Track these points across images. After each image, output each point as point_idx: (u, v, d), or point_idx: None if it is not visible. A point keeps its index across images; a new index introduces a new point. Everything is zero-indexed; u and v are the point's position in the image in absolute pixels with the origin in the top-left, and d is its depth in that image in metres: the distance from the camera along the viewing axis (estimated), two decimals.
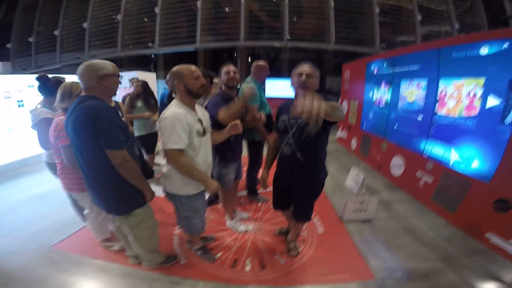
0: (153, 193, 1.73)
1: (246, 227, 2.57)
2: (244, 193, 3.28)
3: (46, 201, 3.24)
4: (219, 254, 2.21)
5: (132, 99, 3.36)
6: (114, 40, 9.50)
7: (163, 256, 2.05)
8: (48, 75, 2.37)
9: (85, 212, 2.14)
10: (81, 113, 1.40)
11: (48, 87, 2.23)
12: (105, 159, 1.46)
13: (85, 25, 9.80)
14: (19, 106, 4.50)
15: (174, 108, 1.58)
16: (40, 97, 2.33)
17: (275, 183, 2.01)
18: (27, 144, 4.54)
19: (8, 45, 11.42)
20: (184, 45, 9.04)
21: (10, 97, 4.37)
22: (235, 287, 1.88)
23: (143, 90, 3.43)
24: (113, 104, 2.53)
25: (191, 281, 1.92)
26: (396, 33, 9.58)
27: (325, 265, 2.11)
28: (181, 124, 1.53)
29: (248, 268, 2.07)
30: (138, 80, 3.48)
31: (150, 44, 9.18)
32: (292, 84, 1.77)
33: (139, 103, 3.40)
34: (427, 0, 9.61)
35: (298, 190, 1.93)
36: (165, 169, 1.73)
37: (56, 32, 10.30)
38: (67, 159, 1.77)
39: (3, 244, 2.34)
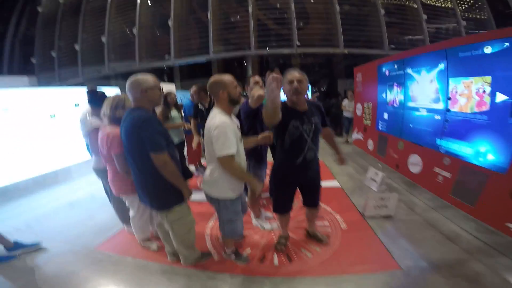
0: (191, 191, 1.93)
1: (272, 225, 2.74)
2: (267, 194, 3.47)
3: (81, 207, 3.51)
4: (248, 250, 2.38)
5: (165, 110, 3.61)
6: (132, 53, 9.94)
7: (199, 253, 2.23)
8: (95, 88, 2.65)
9: (131, 213, 2.35)
10: (130, 123, 1.69)
11: (97, 99, 2.50)
12: (150, 162, 1.69)
13: (103, 39, 10.31)
14: (51, 117, 4.77)
15: (221, 117, 1.70)
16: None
17: (287, 184, 2.08)
18: (59, 155, 4.86)
19: (33, 60, 12.10)
20: (198, 56, 9.39)
21: (42, 110, 4.65)
22: (265, 280, 2.02)
23: (176, 101, 3.77)
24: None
25: (224, 275, 2.07)
26: (403, 33, 9.59)
27: (351, 257, 2.23)
28: (232, 131, 1.68)
29: (276, 261, 2.23)
30: (171, 93, 3.81)
31: (166, 57, 9.58)
32: (284, 92, 1.89)
33: (173, 113, 3.69)
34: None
35: (313, 183, 2.13)
36: (208, 176, 1.87)
37: (76, 47, 10.86)
38: (119, 165, 2.01)
39: (48, 247, 2.55)
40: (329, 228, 2.72)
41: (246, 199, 2.57)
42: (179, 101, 4.55)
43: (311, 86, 11.59)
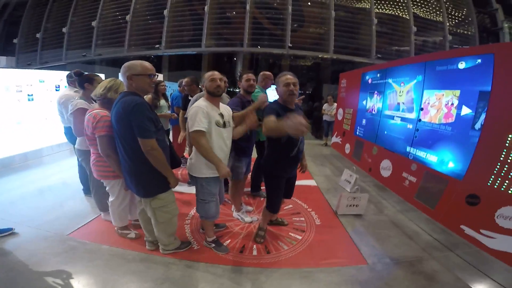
0: (177, 180, 1.97)
1: (252, 218, 2.86)
2: (248, 189, 3.59)
3: (57, 192, 3.37)
4: (229, 241, 2.47)
5: (154, 99, 3.58)
6: (121, 40, 9.66)
7: (179, 242, 2.27)
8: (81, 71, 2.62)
9: (110, 199, 2.33)
10: (120, 106, 1.70)
11: (84, 81, 2.49)
12: (138, 147, 1.72)
13: (94, 23, 9.95)
14: (29, 100, 4.64)
15: (199, 102, 1.98)
16: (51, 93, 2.63)
17: (282, 179, 2.22)
18: (34, 137, 4.73)
19: (15, 40, 11.51)
20: (189, 48, 9.27)
21: (21, 91, 4.50)
22: (243, 269, 2.12)
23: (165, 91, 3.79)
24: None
25: (204, 264, 2.13)
26: (391, 44, 9.95)
27: (323, 251, 2.40)
28: (202, 112, 1.88)
29: (254, 252, 2.34)
30: (163, 81, 3.83)
31: (156, 46, 9.38)
32: (278, 92, 2.11)
33: (162, 102, 3.70)
34: (423, 11, 10.02)
35: (294, 175, 2.37)
36: (190, 157, 2.08)
37: (64, 29, 10.43)
38: (101, 148, 1.99)
39: (19, 232, 2.42)
40: (304, 223, 2.87)
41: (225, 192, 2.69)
42: (167, 91, 4.53)
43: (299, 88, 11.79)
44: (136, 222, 2.54)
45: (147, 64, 1.80)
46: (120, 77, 1.80)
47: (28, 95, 4.67)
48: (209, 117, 1.91)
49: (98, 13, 9.98)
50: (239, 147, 2.54)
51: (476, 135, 2.47)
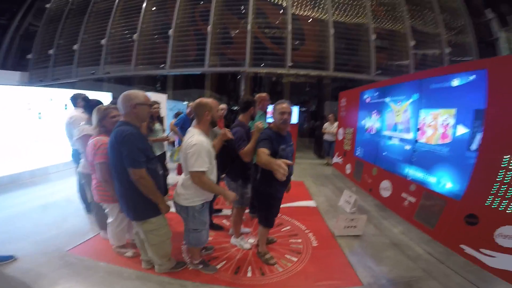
0: (168, 207, 2.03)
1: (250, 243, 2.80)
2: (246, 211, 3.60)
3: (60, 209, 3.47)
4: (223, 262, 2.47)
5: (149, 123, 3.49)
6: (129, 59, 9.99)
7: (174, 262, 2.30)
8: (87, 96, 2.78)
9: (109, 220, 2.42)
10: (114, 135, 1.81)
11: (90, 107, 2.60)
12: (127, 174, 1.81)
13: (103, 41, 10.34)
14: (39, 118, 4.84)
15: (199, 137, 1.91)
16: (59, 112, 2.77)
17: (278, 199, 2.39)
18: (42, 155, 4.88)
19: (29, 56, 11.95)
20: (193, 68, 9.57)
21: (30, 109, 4.67)
22: None
23: (159, 114, 3.76)
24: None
25: (198, 284, 2.15)
26: (391, 59, 10.06)
27: (318, 273, 2.38)
28: (206, 151, 1.88)
29: (249, 274, 2.33)
30: (155, 102, 3.72)
31: (162, 65, 9.72)
32: (274, 118, 2.26)
33: (157, 126, 3.62)
34: (421, 24, 10.16)
35: (282, 197, 2.46)
36: (179, 186, 2.04)
37: (75, 47, 10.80)
38: (99, 174, 2.13)
39: (19, 246, 2.51)
40: (301, 245, 2.85)
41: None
42: (172, 110, 4.55)
43: (300, 106, 11.99)
44: (134, 241, 2.58)
45: (145, 94, 1.95)
46: (120, 105, 1.87)
47: (38, 113, 4.86)
48: (210, 154, 1.95)
49: (108, 31, 10.39)
50: (246, 176, 2.57)
51: (472, 156, 2.47)
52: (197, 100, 2.01)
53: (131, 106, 1.85)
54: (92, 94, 3.65)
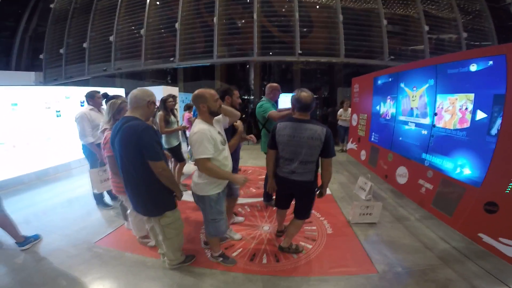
0: (182, 193, 2.11)
1: (240, 235, 2.81)
2: (260, 199, 3.67)
3: (84, 203, 3.65)
4: (239, 250, 2.55)
5: (165, 115, 3.76)
6: (138, 54, 10.12)
7: (184, 256, 2.33)
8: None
9: (128, 211, 2.55)
10: (127, 131, 1.78)
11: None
12: (145, 170, 1.82)
13: (111, 38, 10.46)
14: (57, 116, 5.05)
15: (200, 125, 1.92)
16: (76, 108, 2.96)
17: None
18: (63, 152, 5.11)
19: (41, 56, 12.26)
20: (202, 60, 9.57)
21: (49, 108, 4.91)
22: (252, 277, 2.19)
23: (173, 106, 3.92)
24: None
25: (215, 271, 2.25)
26: (404, 44, 9.72)
27: (332, 260, 2.41)
28: (207, 138, 1.87)
29: (265, 261, 2.40)
30: (174, 96, 3.94)
31: (171, 59, 9.79)
32: (292, 106, 2.18)
33: (172, 118, 3.85)
34: (434, 8, 9.74)
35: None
36: (195, 178, 2.07)
37: (84, 45, 11.00)
38: (110, 167, 2.24)
39: (50, 240, 2.70)
40: (316, 232, 2.89)
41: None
42: (183, 102, 4.68)
43: (313, 93, 11.74)
44: None
45: None
46: (135, 100, 1.88)
47: (56, 111, 5.08)
48: (214, 141, 1.93)
49: (114, 27, 10.47)
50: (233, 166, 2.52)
51: (493, 141, 2.38)
52: (195, 92, 2.00)
53: (149, 103, 1.90)
54: (106, 90, 3.76)
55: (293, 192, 2.31)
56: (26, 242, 2.57)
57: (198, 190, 2.06)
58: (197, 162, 1.91)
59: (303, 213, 2.35)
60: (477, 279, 2.13)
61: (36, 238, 2.67)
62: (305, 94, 2.06)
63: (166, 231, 2.06)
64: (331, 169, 2.16)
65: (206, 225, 2.19)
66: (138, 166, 1.82)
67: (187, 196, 2.49)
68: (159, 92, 5.49)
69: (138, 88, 1.94)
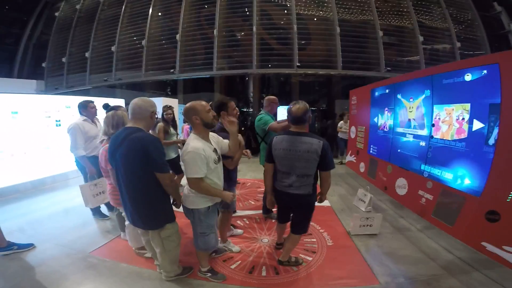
0: (181, 202, 2.06)
1: (238, 247, 2.75)
2: (259, 211, 3.64)
3: (80, 213, 3.56)
4: (238, 262, 2.50)
5: (165, 126, 3.77)
6: (138, 65, 10.21)
7: (181, 268, 2.26)
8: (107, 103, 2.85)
9: (126, 223, 2.49)
10: (134, 143, 1.73)
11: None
12: (149, 182, 1.80)
13: (113, 48, 10.58)
14: (56, 125, 5.04)
15: (194, 143, 1.84)
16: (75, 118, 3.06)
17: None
18: (61, 161, 5.02)
19: (43, 64, 12.33)
20: (202, 72, 9.69)
21: (49, 117, 4.91)
22: None
23: (173, 117, 3.94)
24: None
25: (214, 283, 2.18)
26: (400, 55, 9.90)
27: (333, 272, 2.36)
28: (201, 158, 1.80)
29: (264, 273, 2.35)
30: (171, 107, 3.95)
31: (171, 70, 9.90)
32: (287, 119, 2.18)
33: (172, 130, 3.85)
34: (428, 19, 10.01)
35: None
36: (185, 190, 2.02)
37: (87, 54, 11.09)
38: (113, 179, 2.17)
39: (44, 249, 2.64)
40: (316, 244, 2.85)
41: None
42: (182, 115, 4.72)
43: (311, 105, 11.90)
44: None
45: None
46: (138, 111, 1.83)
47: (56, 120, 5.07)
48: (207, 159, 1.85)
49: (117, 38, 10.60)
50: (230, 178, 2.49)
51: (490, 151, 2.41)
52: (186, 105, 1.95)
53: (151, 113, 1.87)
54: (106, 101, 3.77)
55: (291, 206, 2.27)
56: (7, 248, 2.53)
57: (187, 203, 2.00)
58: (189, 180, 1.87)
59: (299, 227, 2.29)
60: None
61: (23, 247, 2.61)
62: (297, 106, 2.03)
63: (165, 244, 2.03)
64: (330, 180, 2.14)
65: (195, 239, 2.11)
66: (142, 177, 1.80)
67: None
68: (159, 103, 5.51)
69: (139, 98, 1.88)
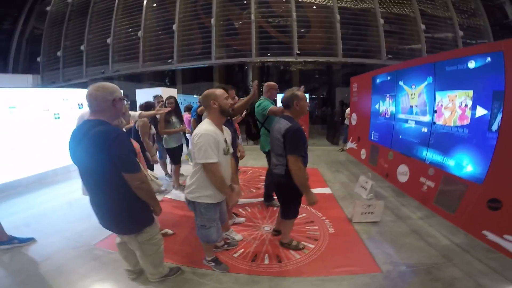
0: (161, 209, 1.83)
1: (241, 235, 2.76)
2: (261, 199, 3.65)
3: (84, 206, 3.47)
4: (241, 251, 2.52)
5: (166, 115, 3.72)
6: (135, 56, 10.10)
7: (167, 269, 2.11)
8: None
9: None
10: (96, 139, 1.43)
11: None
12: (118, 183, 1.52)
13: (109, 40, 10.43)
14: (55, 118, 5.02)
15: (207, 126, 1.81)
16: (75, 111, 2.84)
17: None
18: (62, 154, 4.93)
19: (38, 59, 12.24)
20: (200, 61, 9.57)
21: (48, 110, 4.87)
22: (254, 277, 2.15)
23: (175, 106, 3.90)
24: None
25: (217, 272, 2.20)
26: (401, 43, 9.77)
27: (335, 259, 2.38)
28: (213, 140, 1.77)
29: (266, 261, 2.37)
30: (172, 97, 3.94)
31: (169, 60, 9.77)
32: (298, 106, 2.16)
33: (174, 118, 3.84)
34: (430, 7, 9.82)
35: None
36: (188, 178, 1.99)
37: (82, 47, 10.97)
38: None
39: (51, 242, 2.67)
40: (318, 232, 2.87)
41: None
42: (182, 104, 4.68)
43: (311, 93, 11.79)
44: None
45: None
46: (94, 100, 1.49)
47: (54, 113, 5.05)
48: (217, 145, 1.81)
49: (112, 30, 10.43)
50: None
51: (493, 137, 2.38)
52: (204, 93, 1.94)
53: (111, 101, 1.52)
54: None
55: (275, 186, 2.44)
56: (8, 242, 2.55)
57: (188, 194, 1.96)
58: (205, 167, 1.80)
59: (282, 210, 2.42)
60: (483, 277, 2.10)
61: (24, 241, 2.63)
62: (286, 92, 2.23)
63: (144, 248, 1.81)
64: (296, 169, 2.04)
65: (197, 229, 2.09)
66: (110, 178, 1.52)
67: None
68: (159, 93, 5.33)
69: (93, 86, 1.52)
